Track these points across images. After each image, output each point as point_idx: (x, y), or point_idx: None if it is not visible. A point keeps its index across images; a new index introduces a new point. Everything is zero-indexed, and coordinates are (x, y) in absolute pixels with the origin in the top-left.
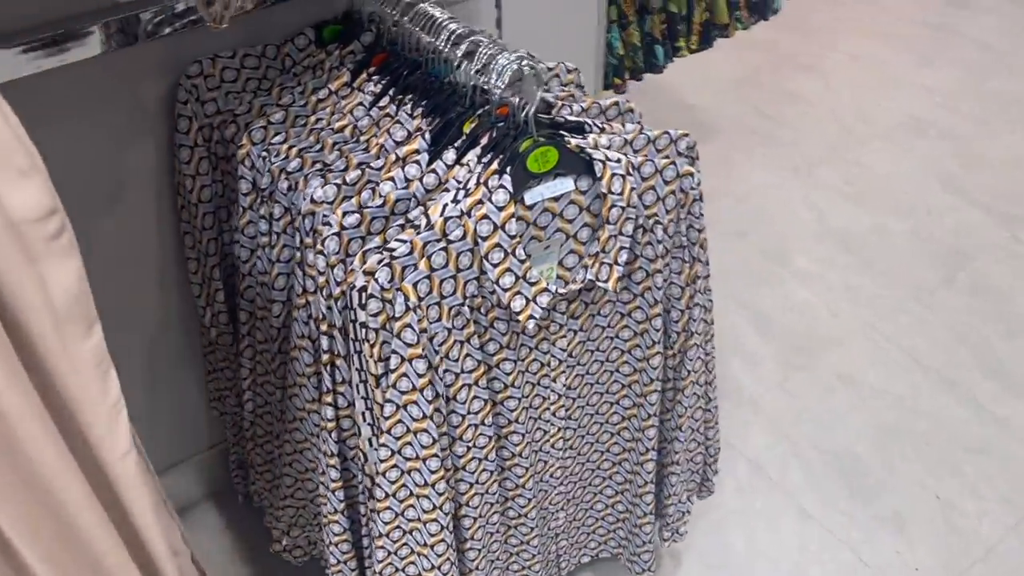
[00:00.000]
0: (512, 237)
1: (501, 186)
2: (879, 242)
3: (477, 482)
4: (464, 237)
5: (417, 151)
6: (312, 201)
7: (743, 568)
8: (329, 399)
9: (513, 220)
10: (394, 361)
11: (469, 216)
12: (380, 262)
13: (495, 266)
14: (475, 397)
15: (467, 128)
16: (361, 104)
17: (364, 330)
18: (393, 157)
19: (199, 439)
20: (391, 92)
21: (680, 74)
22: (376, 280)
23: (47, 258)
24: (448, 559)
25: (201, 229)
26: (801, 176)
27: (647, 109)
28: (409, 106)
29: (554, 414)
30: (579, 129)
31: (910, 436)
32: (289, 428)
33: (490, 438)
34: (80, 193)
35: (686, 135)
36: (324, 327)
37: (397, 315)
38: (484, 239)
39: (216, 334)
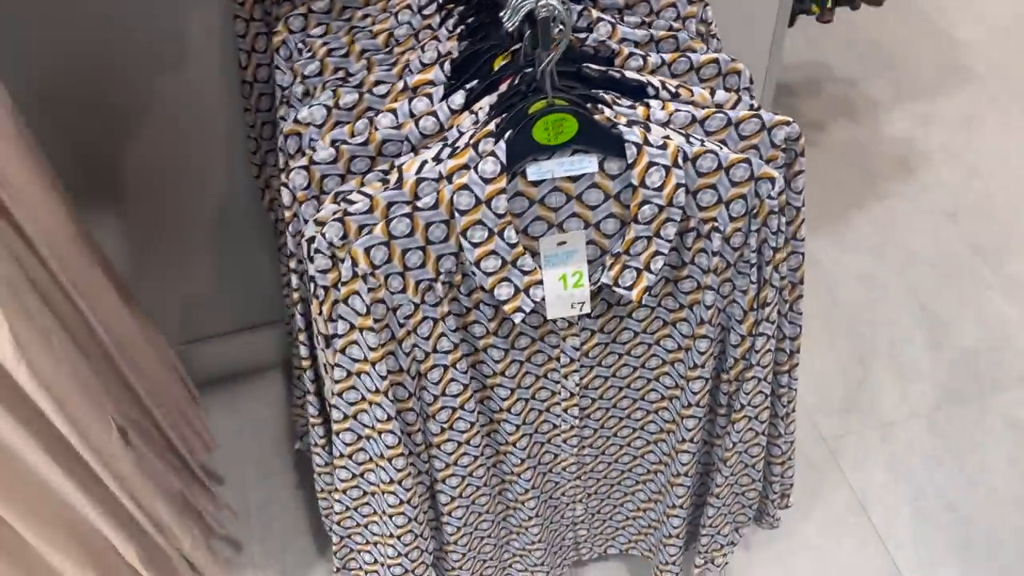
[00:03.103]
0: (500, 216)
1: (492, 154)
2: None
3: (456, 464)
4: (437, 206)
5: (432, 83)
6: (295, 121)
7: None
8: (303, 338)
9: (502, 196)
10: (342, 326)
11: (448, 182)
12: (334, 214)
13: (475, 246)
14: (452, 380)
15: (498, 64)
16: (409, 6)
17: (313, 285)
18: (401, 85)
19: (274, 309)
20: None
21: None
22: (324, 235)
23: None
24: (411, 532)
25: (256, 111)
26: None
27: (892, 38)
28: (453, 20)
29: (565, 411)
30: (638, 91)
31: None
32: (296, 349)
33: (472, 423)
34: (142, 50)
35: (788, 123)
36: (293, 263)
37: (344, 280)
38: (462, 213)
39: (274, 219)
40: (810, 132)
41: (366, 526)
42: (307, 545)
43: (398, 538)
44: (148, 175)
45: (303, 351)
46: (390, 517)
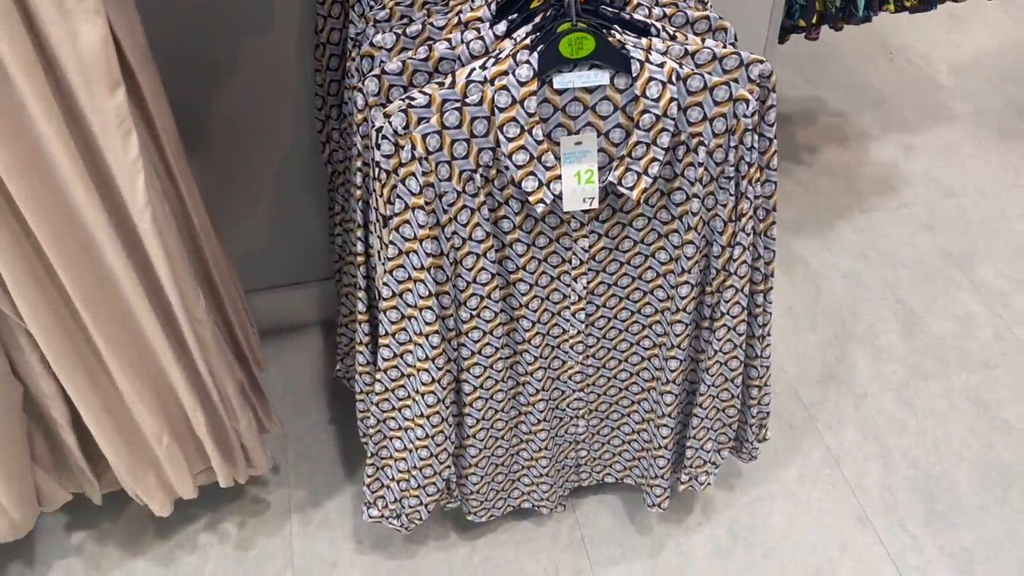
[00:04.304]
0: (530, 115)
1: (527, 62)
2: None
3: (480, 353)
4: (481, 103)
5: (480, 19)
6: (371, 44)
7: (769, 547)
8: (360, 233)
9: (533, 98)
10: (399, 205)
11: (491, 84)
12: (399, 108)
13: (509, 140)
14: (482, 268)
15: (535, 4)
16: None
17: (377, 169)
18: (456, 19)
19: (319, 268)
20: None
21: (933, 44)
22: (391, 123)
23: (76, 15)
24: (439, 414)
25: (326, 69)
26: None
27: (881, 80)
28: None
29: (574, 315)
30: (643, 31)
31: None
32: (347, 260)
33: (496, 313)
34: (238, 12)
35: (761, 61)
36: (359, 163)
37: (404, 161)
38: (501, 110)
39: (331, 171)
40: (804, 155)
41: (400, 410)
42: (336, 471)
43: (427, 418)
44: (221, 128)
45: (359, 247)
46: (422, 396)
